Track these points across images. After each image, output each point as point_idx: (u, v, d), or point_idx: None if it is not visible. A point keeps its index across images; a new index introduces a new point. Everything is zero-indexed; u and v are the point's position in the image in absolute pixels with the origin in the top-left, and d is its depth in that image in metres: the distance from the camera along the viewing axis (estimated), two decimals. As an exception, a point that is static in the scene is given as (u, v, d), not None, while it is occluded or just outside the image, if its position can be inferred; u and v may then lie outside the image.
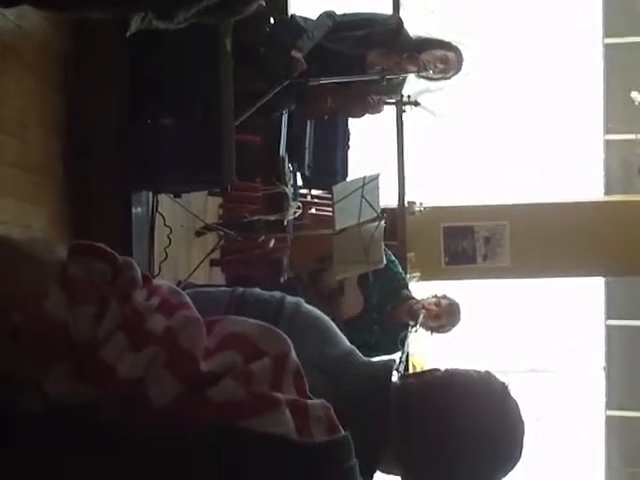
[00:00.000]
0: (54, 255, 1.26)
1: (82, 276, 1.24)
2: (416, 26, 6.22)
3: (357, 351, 1.87)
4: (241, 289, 1.91)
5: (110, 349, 1.19)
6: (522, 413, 1.69)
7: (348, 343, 1.89)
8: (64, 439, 1.16)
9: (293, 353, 1.31)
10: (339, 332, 1.89)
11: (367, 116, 5.59)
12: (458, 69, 5.34)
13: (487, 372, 1.75)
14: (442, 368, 1.79)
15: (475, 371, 1.75)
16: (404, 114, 7.31)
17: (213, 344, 1.25)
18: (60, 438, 1.16)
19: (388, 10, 7.19)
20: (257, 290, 1.92)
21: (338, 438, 1.24)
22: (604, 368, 10.04)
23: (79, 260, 1.26)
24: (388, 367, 1.78)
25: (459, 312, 5.72)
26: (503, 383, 1.72)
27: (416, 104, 5.30)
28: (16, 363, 1.20)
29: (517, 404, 1.69)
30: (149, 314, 1.24)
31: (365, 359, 1.85)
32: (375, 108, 5.39)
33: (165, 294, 1.30)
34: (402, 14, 7.07)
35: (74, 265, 1.25)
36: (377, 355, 5.41)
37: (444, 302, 5.65)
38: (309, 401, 1.26)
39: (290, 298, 1.88)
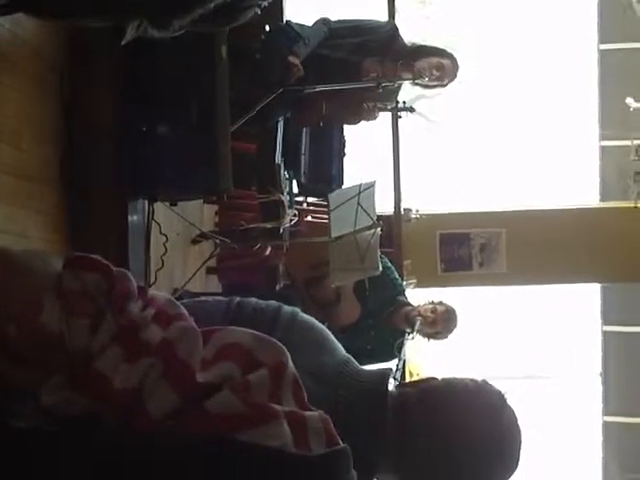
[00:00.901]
0: (50, 267, 1.26)
1: (77, 288, 1.24)
2: (411, 33, 6.23)
3: (353, 360, 1.86)
4: (237, 299, 1.90)
5: (105, 361, 1.19)
6: (519, 422, 1.69)
7: (344, 352, 1.88)
8: (62, 450, 1.16)
9: (290, 363, 1.30)
10: (335, 341, 1.89)
11: (363, 123, 5.59)
12: (453, 76, 5.34)
13: (484, 381, 1.74)
14: (439, 377, 1.78)
15: (472, 380, 1.75)
16: (400, 120, 7.32)
17: (210, 355, 1.25)
18: (58, 449, 1.16)
19: (384, 17, 7.19)
20: (253, 300, 1.91)
21: (336, 450, 1.24)
22: (601, 374, 10.04)
23: (74, 272, 1.26)
24: (385, 376, 1.78)
25: (455, 318, 5.71)
26: (500, 392, 1.71)
27: (411, 110, 5.30)
28: (11, 374, 1.20)
29: (514, 414, 1.69)
30: (144, 325, 1.24)
31: (361, 368, 1.84)
32: (370, 115, 5.39)
33: (161, 305, 1.29)
34: (397, 21, 7.08)
35: (69, 277, 1.25)
36: (373, 362, 5.40)
37: (440, 308, 5.64)
38: (307, 413, 1.26)
39: (286, 307, 1.87)
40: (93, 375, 1.18)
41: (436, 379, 1.77)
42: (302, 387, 1.30)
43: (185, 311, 1.32)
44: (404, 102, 5.35)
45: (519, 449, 1.67)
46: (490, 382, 1.75)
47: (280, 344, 1.33)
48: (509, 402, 1.70)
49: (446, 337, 5.78)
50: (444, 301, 5.76)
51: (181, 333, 1.25)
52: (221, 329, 1.33)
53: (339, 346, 1.88)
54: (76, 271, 1.26)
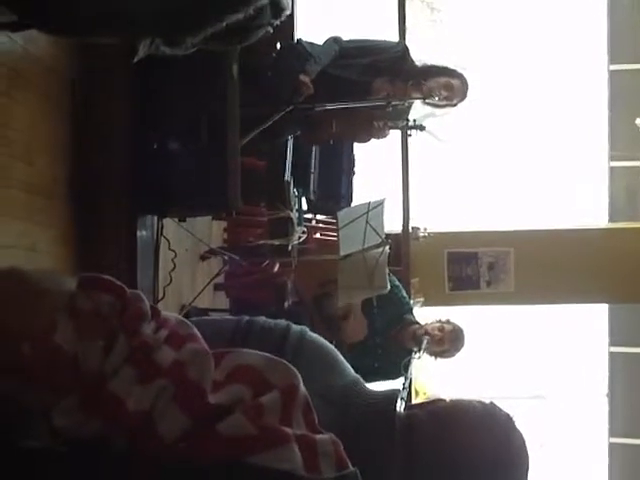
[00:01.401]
0: (63, 287, 1.26)
1: (91, 309, 1.24)
2: (421, 52, 6.24)
3: (362, 380, 1.86)
4: (247, 318, 1.91)
5: (118, 382, 1.19)
6: (527, 445, 1.68)
7: (353, 372, 1.88)
8: (72, 471, 1.16)
9: (302, 386, 1.30)
10: (344, 361, 1.89)
11: (372, 141, 5.60)
12: (463, 96, 5.35)
13: (492, 403, 1.74)
14: (447, 398, 1.78)
15: (480, 402, 1.74)
16: (409, 138, 7.33)
17: (221, 376, 1.25)
18: (68, 470, 1.16)
19: (394, 37, 7.22)
20: (262, 318, 1.92)
21: (346, 474, 1.24)
22: (607, 395, 10.01)
23: (88, 293, 1.26)
24: (393, 397, 1.78)
25: (463, 337, 5.71)
26: (508, 415, 1.71)
27: (421, 128, 5.30)
28: (24, 395, 1.21)
29: (522, 437, 1.68)
30: (157, 347, 1.24)
31: (370, 389, 1.84)
32: (380, 133, 5.39)
33: (173, 326, 1.30)
34: (408, 40, 7.11)
35: (83, 298, 1.25)
36: (380, 379, 5.40)
37: (448, 327, 5.64)
38: (318, 436, 1.26)
39: (295, 327, 1.88)
40: (106, 397, 1.18)
41: (444, 400, 1.77)
42: (313, 409, 1.31)
43: (197, 332, 1.32)
44: (414, 120, 5.35)
45: (527, 473, 1.67)
46: (498, 404, 1.75)
47: (292, 366, 1.33)
48: (517, 425, 1.70)
49: (453, 356, 5.78)
50: (452, 320, 5.76)
51: (193, 355, 1.25)
52: (232, 351, 1.33)
53: (347, 366, 1.89)
54: (89, 292, 1.26)
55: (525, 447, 1.68)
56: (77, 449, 1.17)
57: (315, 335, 1.90)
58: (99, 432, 1.18)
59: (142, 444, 1.17)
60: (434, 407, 1.75)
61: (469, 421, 1.69)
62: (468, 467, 1.63)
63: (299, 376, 1.30)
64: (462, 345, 5.75)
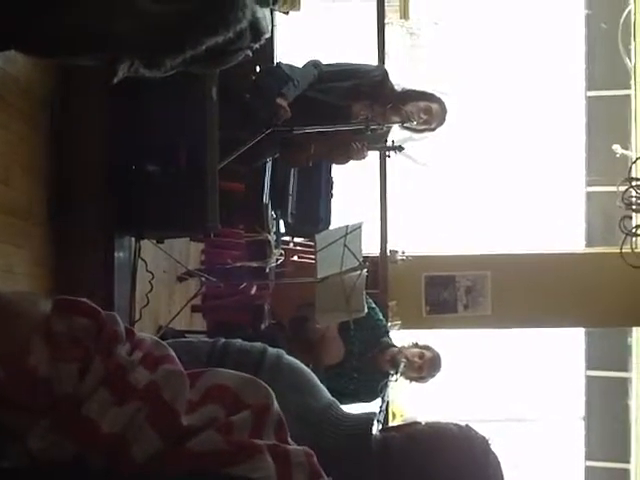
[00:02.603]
0: (38, 309, 1.26)
1: (65, 331, 1.24)
2: (401, 77, 6.27)
3: (338, 403, 1.87)
4: (223, 340, 1.91)
5: (93, 405, 1.19)
6: (503, 469, 1.69)
7: (329, 395, 1.89)
8: None
9: (275, 404, 1.31)
10: (319, 384, 1.89)
11: (351, 163, 5.61)
12: (442, 121, 5.37)
13: (467, 426, 1.74)
14: (423, 421, 1.78)
15: (456, 425, 1.75)
16: (388, 161, 7.35)
17: (196, 397, 1.26)
18: None
19: (374, 61, 7.25)
20: (239, 341, 1.92)
21: None
22: (584, 418, 10.03)
23: (63, 315, 1.26)
24: (369, 420, 1.78)
25: (440, 365, 5.71)
26: (483, 437, 1.72)
27: (400, 149, 5.31)
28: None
29: (498, 460, 1.69)
30: (132, 368, 1.24)
31: (346, 412, 1.84)
32: (359, 154, 5.39)
33: (148, 347, 1.30)
34: (387, 65, 7.14)
35: (58, 320, 1.25)
36: (356, 402, 5.40)
37: (427, 355, 5.64)
38: (290, 447, 1.27)
39: (271, 350, 1.88)
40: (81, 419, 1.18)
41: (420, 423, 1.77)
42: (286, 427, 1.31)
43: (172, 353, 1.33)
44: (392, 141, 5.37)
45: (502, 496, 1.68)
46: (474, 426, 1.75)
47: (266, 385, 1.33)
48: (493, 448, 1.70)
49: (427, 382, 5.78)
50: (431, 346, 5.76)
51: (167, 376, 1.26)
52: (208, 371, 1.34)
53: (323, 389, 1.89)
54: (64, 314, 1.26)
55: (501, 469, 1.68)
56: (53, 469, 1.17)
57: (291, 358, 1.90)
58: (74, 454, 1.17)
59: (115, 465, 1.17)
60: (410, 430, 1.75)
61: (445, 444, 1.69)
62: (444, 489, 1.64)
63: (273, 394, 1.31)
64: (438, 371, 5.76)
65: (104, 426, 1.18)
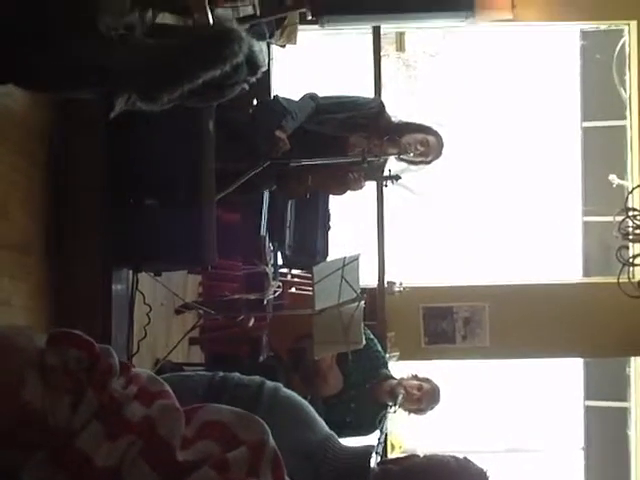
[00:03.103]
0: (33, 343, 1.27)
1: (59, 364, 1.24)
2: (397, 109, 6.30)
3: (335, 436, 1.87)
4: (221, 374, 1.91)
5: (86, 438, 1.19)
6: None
7: (327, 428, 1.89)
8: None
9: (271, 440, 1.31)
10: (317, 417, 1.89)
11: (348, 193, 5.62)
12: (438, 153, 5.39)
13: (465, 459, 1.74)
14: (421, 454, 1.78)
15: (453, 457, 1.75)
16: (385, 192, 7.37)
17: (192, 433, 1.26)
18: None
19: (370, 92, 7.28)
20: (237, 375, 1.92)
21: None
22: (583, 448, 10.00)
23: (56, 348, 1.26)
24: (367, 453, 1.78)
25: (439, 397, 5.70)
26: (481, 470, 1.71)
27: (397, 178, 5.32)
28: None
29: (495, 492, 1.69)
30: (126, 403, 1.24)
31: (344, 445, 1.84)
32: (356, 184, 5.41)
33: (144, 382, 1.30)
34: (384, 96, 7.17)
35: (51, 353, 1.25)
36: (354, 434, 5.38)
37: (426, 387, 5.63)
38: None
39: (269, 383, 1.88)
40: (74, 453, 1.18)
41: (418, 456, 1.77)
42: (282, 464, 1.31)
43: (168, 388, 1.33)
44: (389, 170, 5.38)
45: (500, 529, 1.67)
46: (472, 459, 1.75)
47: (262, 421, 1.33)
48: (490, 480, 1.70)
49: (426, 413, 5.77)
50: (430, 378, 5.75)
51: (163, 411, 1.26)
52: (204, 407, 1.34)
53: (321, 422, 1.89)
54: (58, 347, 1.27)
55: (498, 503, 1.68)
56: None
57: (289, 392, 1.90)
58: None
59: None
60: (408, 463, 1.75)
61: (443, 476, 1.69)
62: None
63: (268, 431, 1.31)
64: (437, 403, 5.74)
65: (98, 460, 1.18)
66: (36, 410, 1.20)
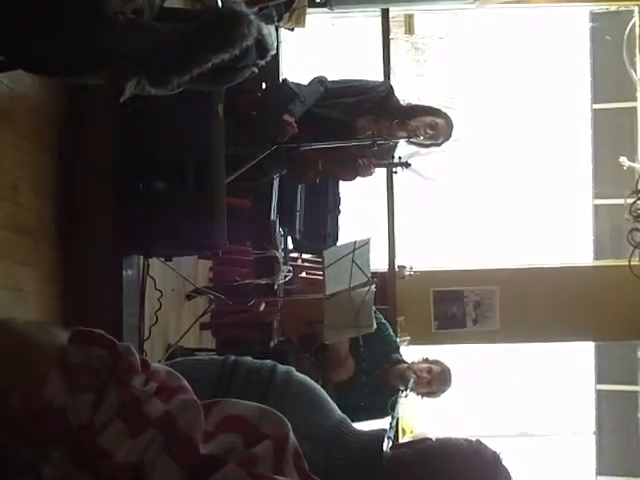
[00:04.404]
0: (54, 340, 1.27)
1: (81, 362, 1.25)
2: (406, 92, 6.28)
3: (348, 420, 1.86)
4: (232, 358, 1.91)
5: (108, 436, 1.19)
6: (513, 481, 1.68)
7: (339, 412, 1.88)
8: None
9: (292, 434, 1.31)
10: (330, 401, 1.89)
11: (358, 179, 5.61)
12: (448, 135, 5.38)
13: (478, 441, 1.73)
14: (433, 437, 1.78)
15: (466, 440, 1.74)
16: (394, 177, 7.36)
17: (212, 427, 1.26)
18: None
19: (379, 77, 7.26)
20: (248, 359, 1.92)
21: None
22: (594, 433, 10.00)
23: (79, 346, 1.26)
24: (380, 437, 1.77)
25: (450, 379, 5.70)
26: (495, 453, 1.71)
27: (407, 165, 5.32)
28: (14, 448, 1.20)
29: (509, 474, 1.68)
30: (147, 400, 1.24)
31: (356, 428, 1.84)
32: (366, 171, 5.40)
33: (163, 379, 1.30)
34: (393, 80, 7.15)
35: (74, 351, 1.25)
36: (367, 418, 5.38)
37: (436, 369, 5.63)
38: None
39: (281, 367, 1.88)
40: (96, 450, 1.18)
41: (430, 440, 1.76)
42: (302, 456, 1.31)
43: (185, 383, 1.33)
44: (399, 157, 5.38)
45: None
46: (484, 442, 1.74)
47: (282, 416, 1.33)
48: (504, 463, 1.69)
49: (439, 396, 5.77)
50: (440, 360, 5.74)
51: (182, 406, 1.26)
52: (222, 401, 1.34)
53: (334, 406, 1.88)
54: (80, 346, 1.27)
55: (511, 484, 1.68)
56: None
57: (301, 375, 1.90)
58: None
59: None
60: (421, 446, 1.74)
61: (456, 459, 1.68)
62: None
63: (289, 424, 1.31)
64: (448, 386, 5.74)
65: (119, 457, 1.18)
66: (57, 408, 1.20)
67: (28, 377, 1.21)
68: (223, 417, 1.28)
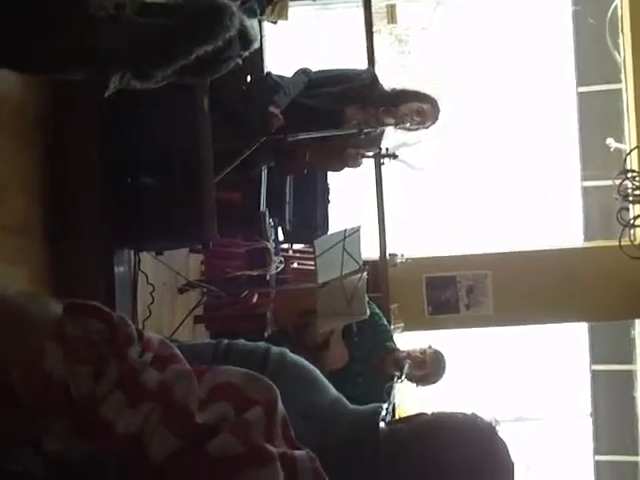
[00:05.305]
0: (49, 312, 1.27)
1: (80, 335, 1.25)
2: (390, 79, 6.28)
3: (344, 398, 1.87)
4: (226, 341, 1.92)
5: (109, 407, 1.20)
6: (510, 453, 1.69)
7: (334, 391, 1.89)
8: None
9: (280, 400, 1.32)
10: (325, 380, 1.90)
11: (346, 169, 5.62)
12: (435, 119, 5.39)
13: (474, 414, 1.75)
14: (429, 412, 1.79)
15: (462, 413, 1.76)
16: (383, 167, 7.37)
17: (204, 394, 1.27)
18: None
19: (363, 65, 7.26)
20: (241, 341, 1.93)
21: None
22: (591, 414, 10.02)
23: (76, 319, 1.27)
24: (375, 413, 1.79)
25: (444, 361, 5.71)
26: (490, 424, 1.72)
27: (394, 157, 5.34)
28: (15, 421, 1.21)
29: (505, 444, 1.70)
30: (144, 370, 1.25)
31: (352, 406, 1.85)
32: (354, 161, 5.42)
33: (156, 348, 1.31)
34: (377, 70, 7.16)
35: (71, 324, 1.26)
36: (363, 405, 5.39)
37: (430, 351, 5.66)
38: (297, 453, 1.28)
39: (275, 348, 1.89)
40: (97, 421, 1.19)
41: (426, 414, 1.78)
42: (289, 425, 1.33)
43: (177, 351, 1.34)
44: (387, 149, 5.39)
45: (513, 477, 1.68)
46: (479, 414, 1.76)
47: (270, 381, 1.35)
48: (500, 433, 1.71)
49: (434, 382, 5.78)
50: (433, 345, 5.77)
51: (177, 376, 1.27)
52: (211, 369, 1.35)
53: (329, 385, 1.90)
54: (77, 318, 1.27)
55: (509, 453, 1.69)
56: (69, 473, 1.18)
57: (295, 356, 1.91)
58: (88, 455, 1.18)
59: (133, 465, 1.18)
60: (417, 420, 1.76)
61: (452, 431, 1.70)
62: (454, 474, 1.64)
63: (277, 391, 1.32)
64: (443, 370, 5.75)
65: (119, 427, 1.19)
66: (58, 380, 1.21)
67: (24, 349, 1.22)
68: (213, 384, 1.29)
